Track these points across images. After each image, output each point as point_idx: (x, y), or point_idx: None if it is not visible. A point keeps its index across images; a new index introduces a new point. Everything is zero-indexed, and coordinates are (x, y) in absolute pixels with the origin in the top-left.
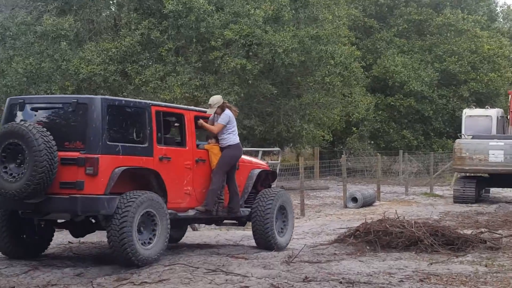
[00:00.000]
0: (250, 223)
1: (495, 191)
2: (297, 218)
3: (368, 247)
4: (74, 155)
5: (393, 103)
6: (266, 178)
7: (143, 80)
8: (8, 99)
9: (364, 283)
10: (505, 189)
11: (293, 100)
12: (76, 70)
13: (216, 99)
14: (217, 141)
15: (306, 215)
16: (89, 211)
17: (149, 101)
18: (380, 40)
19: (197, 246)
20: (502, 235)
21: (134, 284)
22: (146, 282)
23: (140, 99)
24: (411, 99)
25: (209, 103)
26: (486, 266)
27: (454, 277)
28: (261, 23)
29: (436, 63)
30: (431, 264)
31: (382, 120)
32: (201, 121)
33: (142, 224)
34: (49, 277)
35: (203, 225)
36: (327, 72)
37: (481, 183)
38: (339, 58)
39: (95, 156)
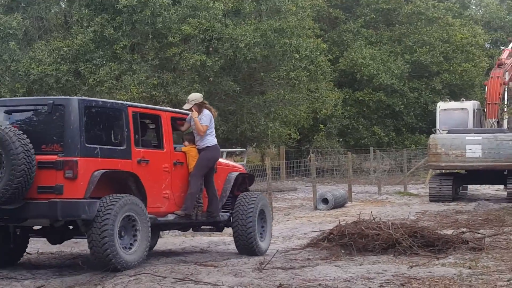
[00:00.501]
0: (230, 228)
1: (472, 188)
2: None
3: (343, 251)
4: (52, 158)
5: (361, 98)
6: (243, 181)
7: (98, 80)
8: None
9: None
10: (484, 186)
11: (257, 97)
12: (26, 71)
13: (196, 96)
14: (193, 143)
15: (275, 219)
16: (70, 216)
17: (126, 102)
18: (347, 31)
19: (162, 254)
20: (484, 235)
21: None
22: None
23: None
24: (381, 93)
25: (187, 98)
26: (470, 268)
27: (437, 280)
28: (220, 16)
29: (407, 54)
30: (411, 267)
31: (350, 116)
32: (195, 114)
33: (123, 229)
34: None
35: (167, 231)
36: (292, 66)
37: (458, 180)
38: (304, 52)
39: (74, 159)
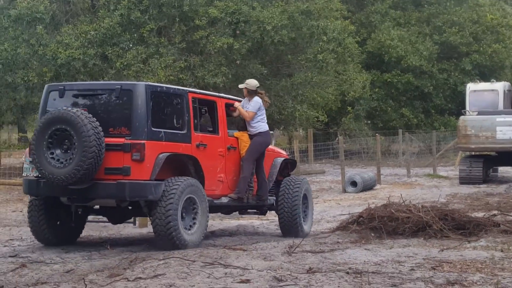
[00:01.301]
0: (274, 211)
1: (503, 170)
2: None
3: (373, 234)
4: (119, 141)
5: (390, 80)
6: (285, 166)
7: (125, 63)
8: (46, 86)
9: (373, 272)
10: None
11: (284, 80)
12: (53, 55)
13: (251, 81)
14: (244, 129)
15: None
16: (137, 197)
17: (187, 88)
18: (374, 12)
19: None
20: None
21: (128, 280)
22: (140, 278)
23: None
24: (409, 75)
25: (246, 81)
26: (502, 251)
27: (469, 264)
28: None
29: (435, 35)
30: (442, 250)
31: (378, 98)
32: (237, 104)
33: (184, 210)
34: (38, 275)
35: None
36: (319, 49)
37: (488, 162)
38: (332, 34)
39: (141, 142)
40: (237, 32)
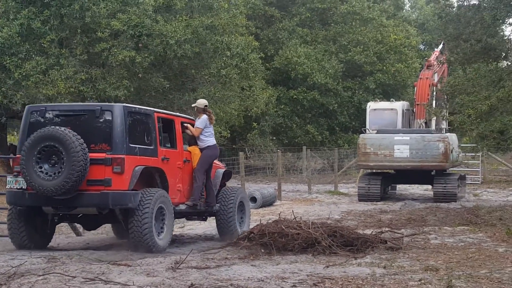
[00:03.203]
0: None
1: (402, 188)
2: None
3: (263, 250)
4: (101, 156)
5: (296, 97)
6: (222, 177)
7: (24, 74)
8: (27, 107)
9: None
10: (412, 185)
11: (188, 94)
12: None
13: (200, 101)
14: (195, 144)
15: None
16: (118, 205)
17: (153, 109)
18: (282, 29)
19: (77, 253)
20: (403, 234)
21: None
22: None
23: (21, 94)
24: (315, 92)
25: (197, 101)
26: (384, 267)
27: (350, 280)
28: (151, 12)
29: (341, 54)
30: (328, 267)
31: (284, 114)
32: (188, 125)
33: (155, 217)
34: None
35: (88, 230)
36: (223, 64)
37: (386, 179)
38: (236, 49)
39: (122, 156)
40: (140, 45)
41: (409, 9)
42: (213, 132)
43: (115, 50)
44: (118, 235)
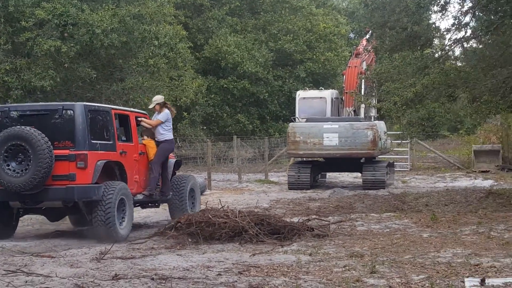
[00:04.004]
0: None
1: (332, 176)
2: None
3: (190, 240)
4: (65, 152)
5: (226, 86)
6: (174, 167)
7: None
8: None
9: (179, 278)
10: (342, 173)
11: (115, 84)
12: None
13: (158, 98)
14: (151, 137)
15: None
16: (83, 198)
17: (110, 106)
18: (212, 19)
19: (0, 246)
20: (330, 221)
21: None
22: None
23: None
24: (245, 81)
25: (152, 99)
26: (310, 255)
27: (275, 267)
28: (76, 1)
29: (271, 42)
30: (254, 255)
31: (215, 104)
32: (143, 118)
33: (117, 208)
34: None
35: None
36: (151, 53)
37: (316, 168)
38: (164, 39)
39: (85, 152)
40: (65, 34)
41: None
42: (171, 127)
43: (40, 39)
44: (75, 224)
